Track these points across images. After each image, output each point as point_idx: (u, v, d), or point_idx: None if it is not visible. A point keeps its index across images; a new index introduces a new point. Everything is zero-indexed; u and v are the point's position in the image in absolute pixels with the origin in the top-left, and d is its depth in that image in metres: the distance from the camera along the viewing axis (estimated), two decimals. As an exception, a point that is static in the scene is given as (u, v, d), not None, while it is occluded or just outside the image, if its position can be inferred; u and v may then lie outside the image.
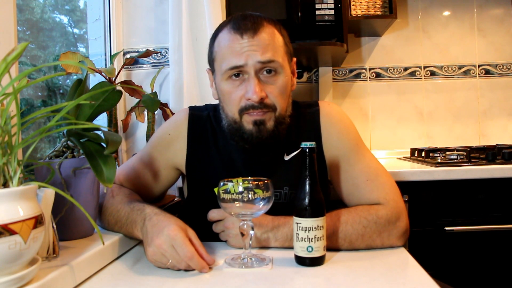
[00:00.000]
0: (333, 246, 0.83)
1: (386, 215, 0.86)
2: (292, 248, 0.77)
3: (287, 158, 0.99)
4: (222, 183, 0.75)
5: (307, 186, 0.76)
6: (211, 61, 0.98)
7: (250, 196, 0.73)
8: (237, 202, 0.73)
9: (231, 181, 0.74)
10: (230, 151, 1.00)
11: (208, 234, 0.88)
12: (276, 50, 0.91)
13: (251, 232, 0.76)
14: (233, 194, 0.73)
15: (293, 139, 0.98)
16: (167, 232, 0.72)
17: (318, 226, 0.74)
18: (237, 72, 0.90)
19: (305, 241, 0.74)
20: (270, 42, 0.90)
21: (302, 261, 0.75)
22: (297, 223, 0.75)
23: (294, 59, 1.00)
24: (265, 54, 0.88)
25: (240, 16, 0.94)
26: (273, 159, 0.99)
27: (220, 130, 1.02)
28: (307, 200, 0.75)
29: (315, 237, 0.74)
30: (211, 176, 0.98)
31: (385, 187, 0.91)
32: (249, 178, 0.77)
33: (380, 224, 0.85)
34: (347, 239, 0.84)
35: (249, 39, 0.88)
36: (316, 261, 0.75)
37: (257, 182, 0.74)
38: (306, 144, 0.76)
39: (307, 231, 0.74)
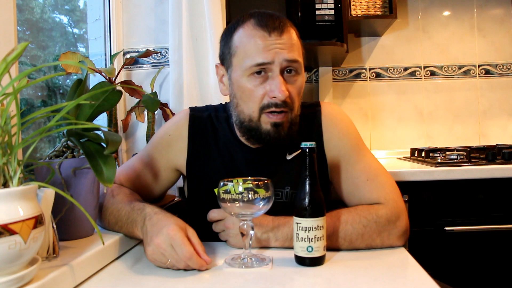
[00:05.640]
0: (333, 246, 0.83)
1: (386, 214, 0.86)
2: (292, 248, 0.77)
3: (289, 157, 0.99)
4: (222, 183, 0.75)
5: (307, 186, 0.75)
6: (227, 56, 0.95)
7: (250, 196, 0.73)
8: (237, 202, 0.73)
9: (231, 181, 0.74)
10: (231, 152, 1.00)
11: (208, 234, 0.88)
12: (298, 51, 0.92)
13: (251, 232, 0.76)
14: (233, 194, 0.73)
15: (295, 139, 0.98)
16: (167, 232, 0.72)
17: (318, 226, 0.74)
18: (261, 69, 0.89)
19: (305, 241, 0.74)
20: (294, 42, 0.91)
21: (302, 261, 0.75)
22: (297, 223, 0.75)
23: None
24: (291, 53, 0.89)
25: (262, 13, 0.93)
26: (275, 159, 0.99)
27: (221, 130, 1.02)
28: (307, 200, 0.74)
29: (315, 237, 0.74)
30: (211, 177, 0.98)
31: (385, 187, 0.92)
32: (249, 178, 0.76)
33: (380, 223, 0.85)
34: (347, 239, 0.84)
35: (277, 37, 0.88)
36: (316, 261, 0.75)
37: (257, 182, 0.74)
38: (306, 144, 0.76)
39: (307, 231, 0.74)
